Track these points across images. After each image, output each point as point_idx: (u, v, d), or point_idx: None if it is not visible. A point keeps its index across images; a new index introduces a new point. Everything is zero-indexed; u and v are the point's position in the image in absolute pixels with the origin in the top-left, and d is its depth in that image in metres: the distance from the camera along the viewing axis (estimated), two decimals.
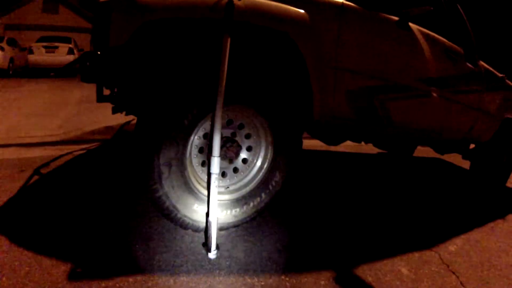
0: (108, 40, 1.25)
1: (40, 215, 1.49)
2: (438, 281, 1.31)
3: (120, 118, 3.14)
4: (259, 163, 1.50)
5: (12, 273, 1.08)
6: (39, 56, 9.78)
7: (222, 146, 1.34)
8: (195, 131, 1.27)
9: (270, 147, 1.48)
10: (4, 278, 1.05)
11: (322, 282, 1.20)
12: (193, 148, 1.33)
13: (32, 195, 1.72)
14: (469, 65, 2.30)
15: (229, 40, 1.18)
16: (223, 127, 1.35)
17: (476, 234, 1.84)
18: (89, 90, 4.63)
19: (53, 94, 5.64)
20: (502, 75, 2.78)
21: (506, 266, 1.51)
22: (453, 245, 1.65)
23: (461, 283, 1.33)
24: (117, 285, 1.07)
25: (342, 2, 1.54)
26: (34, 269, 1.10)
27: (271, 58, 1.48)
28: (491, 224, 2.04)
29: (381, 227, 1.76)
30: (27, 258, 1.16)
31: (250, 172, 1.49)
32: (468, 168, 3.08)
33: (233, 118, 1.42)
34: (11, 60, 9.69)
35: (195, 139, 1.32)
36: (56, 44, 10.06)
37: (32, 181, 1.91)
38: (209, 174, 1.18)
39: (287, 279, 1.19)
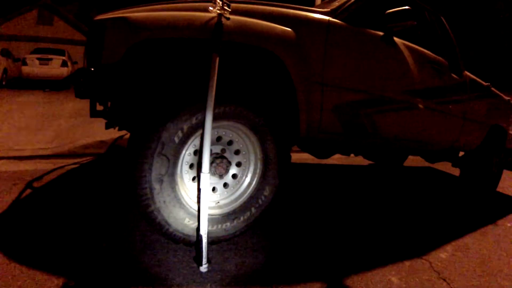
0: (101, 58, 1.28)
1: (33, 228, 1.50)
2: None
3: (114, 133, 3.14)
4: (248, 178, 1.52)
5: (5, 287, 1.08)
6: (33, 67, 9.76)
7: (211, 162, 1.37)
8: (185, 147, 1.29)
9: (259, 163, 1.51)
10: None
11: None
12: (183, 164, 1.35)
13: (24, 209, 1.72)
14: (454, 75, 2.37)
15: (217, 58, 1.21)
16: (212, 144, 1.39)
17: (467, 241, 1.86)
18: (83, 103, 4.62)
19: (46, 106, 5.62)
20: (487, 83, 2.86)
21: (498, 272, 1.54)
22: (444, 252, 1.67)
23: None
24: None
25: (328, 20, 1.59)
26: (27, 283, 1.11)
27: (259, 74, 1.52)
28: (482, 230, 2.07)
29: (371, 237, 1.78)
30: (20, 272, 1.16)
31: (240, 187, 1.51)
32: (458, 175, 3.14)
33: (222, 135, 1.45)
34: (5, 71, 9.64)
35: (186, 156, 1.34)
36: (50, 56, 10.06)
37: (24, 194, 1.91)
38: (199, 190, 1.20)
39: None
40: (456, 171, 3.40)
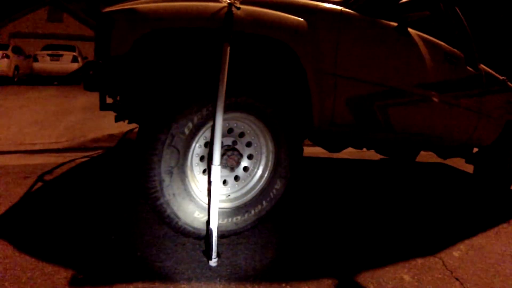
0: (110, 50, 1.27)
1: (43, 221, 1.51)
2: None
3: (124, 126, 3.17)
4: (260, 171, 1.50)
5: (15, 278, 1.09)
6: (44, 64, 9.93)
7: (223, 155, 1.35)
8: (196, 139, 1.28)
9: (271, 155, 1.49)
10: (6, 284, 1.06)
11: None
12: (194, 157, 1.34)
13: (35, 202, 1.74)
14: (470, 68, 2.29)
15: (228, 48, 1.19)
16: (223, 136, 1.37)
17: (480, 239, 1.81)
18: (93, 97, 4.68)
19: (57, 101, 5.70)
20: (503, 77, 2.77)
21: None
22: (457, 251, 1.63)
23: None
24: None
25: (341, 9, 1.55)
26: (36, 275, 1.11)
27: (270, 65, 1.49)
28: (496, 229, 2.02)
29: (384, 234, 1.75)
30: (30, 264, 1.17)
31: (251, 180, 1.50)
32: (471, 172, 3.06)
33: (233, 127, 1.43)
34: (16, 67, 9.85)
35: (196, 148, 1.33)
36: (61, 52, 10.22)
37: (35, 187, 1.93)
38: (209, 183, 1.19)
39: (288, 287, 1.19)
40: (468, 168, 3.33)
